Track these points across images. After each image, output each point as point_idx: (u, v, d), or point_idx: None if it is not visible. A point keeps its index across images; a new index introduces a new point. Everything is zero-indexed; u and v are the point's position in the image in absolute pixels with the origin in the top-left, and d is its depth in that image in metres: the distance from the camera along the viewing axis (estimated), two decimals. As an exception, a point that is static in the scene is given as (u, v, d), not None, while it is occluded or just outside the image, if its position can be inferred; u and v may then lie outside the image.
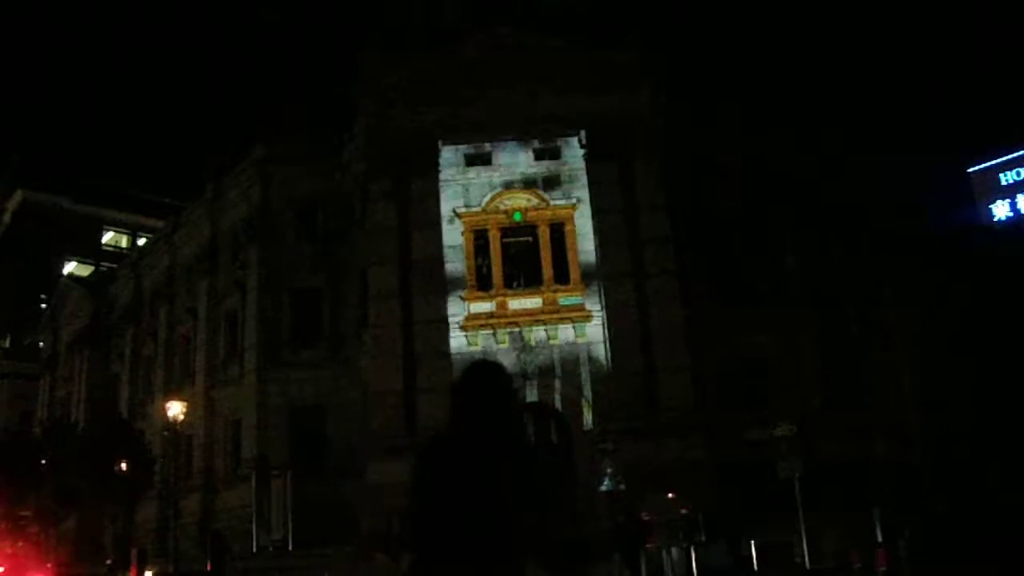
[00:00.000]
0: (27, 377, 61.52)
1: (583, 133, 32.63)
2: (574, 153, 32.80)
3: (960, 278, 41.73)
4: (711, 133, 35.36)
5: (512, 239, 32.21)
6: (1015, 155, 35.57)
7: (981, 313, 41.56)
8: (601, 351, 30.99)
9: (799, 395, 33.52)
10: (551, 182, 32.72)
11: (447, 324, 30.97)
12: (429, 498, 4.31)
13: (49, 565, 36.70)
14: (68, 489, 35.49)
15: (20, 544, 37.79)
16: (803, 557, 23.79)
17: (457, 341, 31.11)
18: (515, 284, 31.87)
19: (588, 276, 31.50)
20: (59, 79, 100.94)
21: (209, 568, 31.06)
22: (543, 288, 31.45)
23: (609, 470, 26.37)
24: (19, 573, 33.38)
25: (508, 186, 32.63)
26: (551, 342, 31.14)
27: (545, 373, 30.98)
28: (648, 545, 23.42)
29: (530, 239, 32.16)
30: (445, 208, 32.23)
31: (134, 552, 30.97)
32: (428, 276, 31.33)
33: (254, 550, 31.07)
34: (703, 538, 23.86)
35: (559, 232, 32.05)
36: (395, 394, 30.36)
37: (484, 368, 4.72)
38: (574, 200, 32.29)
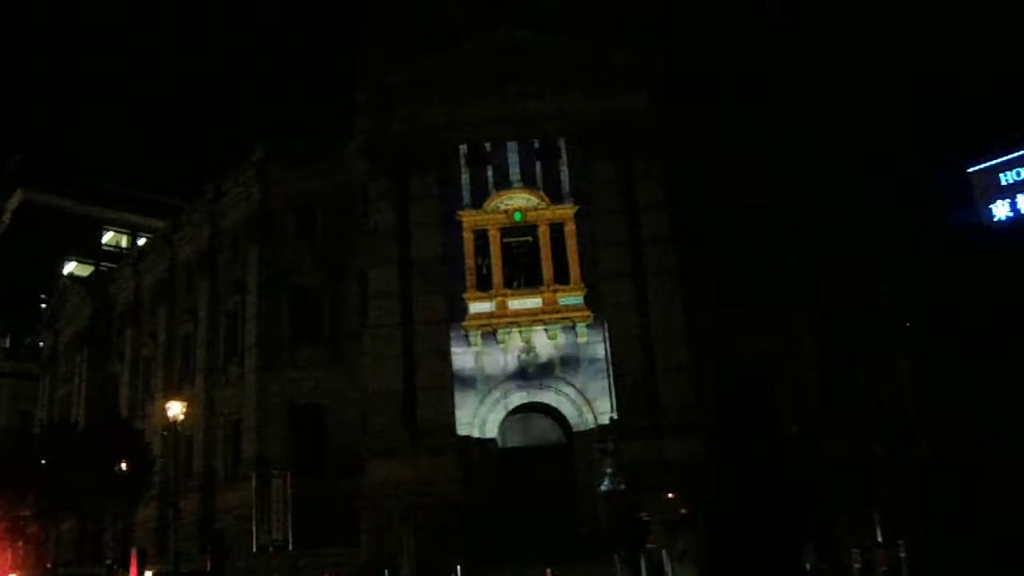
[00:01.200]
0: (27, 377, 61.55)
1: (583, 133, 32.63)
2: (574, 153, 32.78)
3: (960, 278, 41.70)
4: (711, 133, 35.33)
5: (512, 239, 32.20)
6: (1015, 155, 35.58)
7: (981, 313, 41.53)
8: (601, 351, 30.98)
9: (799, 395, 33.51)
10: (551, 182, 32.70)
11: (447, 324, 30.98)
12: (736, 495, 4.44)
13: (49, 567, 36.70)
14: (68, 489, 35.45)
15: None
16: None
17: (457, 341, 31.11)
18: (515, 284, 31.87)
19: (588, 276, 31.47)
20: (59, 79, 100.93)
21: (209, 568, 31.04)
22: (543, 288, 31.43)
23: (609, 470, 26.37)
24: None
25: (508, 186, 32.61)
26: (551, 342, 31.14)
27: (545, 373, 30.97)
28: (648, 545, 23.41)
29: (530, 239, 32.14)
30: (445, 208, 32.22)
31: (134, 552, 30.94)
32: (428, 276, 31.33)
33: (254, 550, 31.07)
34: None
35: (559, 232, 32.01)
36: (395, 394, 30.37)
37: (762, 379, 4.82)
38: (574, 200, 32.26)
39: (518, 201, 32.35)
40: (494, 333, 31.17)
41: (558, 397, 30.96)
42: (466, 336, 31.14)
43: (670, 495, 24.57)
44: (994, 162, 36.29)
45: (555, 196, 32.44)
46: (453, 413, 30.22)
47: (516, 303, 31.39)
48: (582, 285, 31.36)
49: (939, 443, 36.28)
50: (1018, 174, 35.74)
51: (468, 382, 30.87)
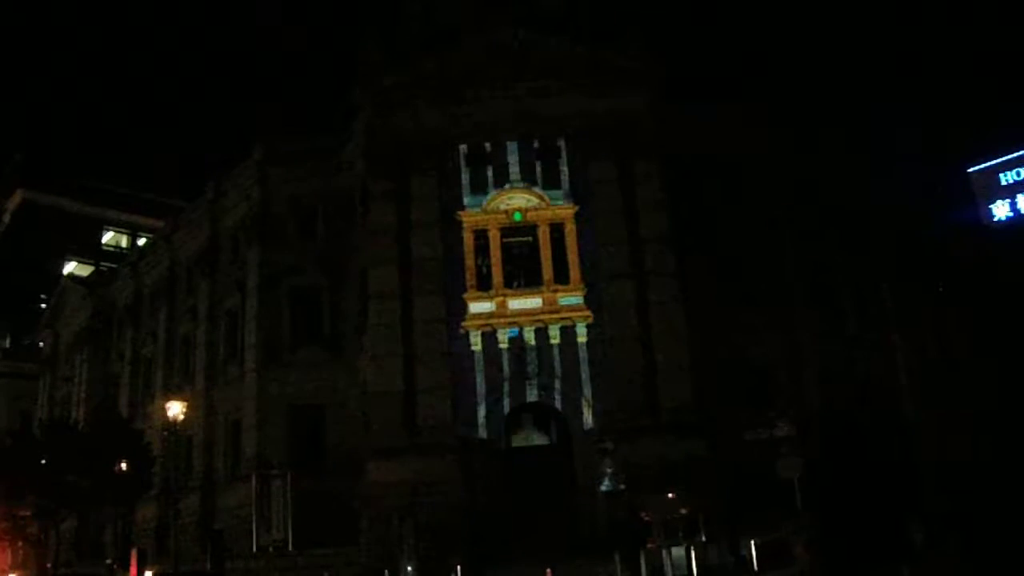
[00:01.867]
0: (27, 377, 61.51)
1: (583, 133, 32.62)
2: (574, 153, 32.78)
3: (960, 278, 41.74)
4: (711, 133, 35.35)
5: (512, 239, 32.20)
6: (1015, 155, 35.50)
7: (981, 313, 41.56)
8: (601, 351, 30.95)
9: (799, 395, 33.51)
10: (551, 182, 32.70)
11: (447, 324, 30.97)
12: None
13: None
14: (68, 489, 35.44)
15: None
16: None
17: (457, 341, 31.11)
18: (515, 284, 31.87)
19: (588, 276, 31.46)
20: (59, 79, 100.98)
21: (209, 568, 31.03)
22: (543, 288, 31.44)
23: (609, 470, 26.39)
24: None
25: (508, 186, 32.62)
26: (551, 342, 31.12)
27: (545, 373, 30.96)
28: (648, 545, 23.42)
29: (530, 239, 32.15)
30: (444, 208, 32.21)
31: (134, 552, 30.94)
32: (428, 276, 31.33)
33: (254, 550, 31.07)
34: (703, 538, 23.87)
35: (559, 232, 32.02)
36: (395, 394, 30.36)
37: None
38: (574, 200, 32.26)
39: (518, 201, 32.37)
40: (494, 333, 31.16)
41: (558, 397, 30.95)
42: (466, 336, 31.13)
43: (670, 495, 24.57)
44: (994, 162, 36.21)
45: (555, 196, 32.44)
46: (453, 413, 30.21)
47: (516, 303, 31.40)
48: (582, 285, 31.36)
49: (939, 443, 36.28)
50: (1018, 174, 35.66)
51: (468, 382, 30.85)
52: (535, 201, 32.37)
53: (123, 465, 35.54)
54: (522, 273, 32.07)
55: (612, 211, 31.95)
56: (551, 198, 32.41)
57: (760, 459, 25.03)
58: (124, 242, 72.84)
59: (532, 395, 31.07)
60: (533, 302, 31.40)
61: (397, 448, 29.64)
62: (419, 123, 32.79)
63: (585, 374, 30.86)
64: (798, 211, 36.84)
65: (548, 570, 22.57)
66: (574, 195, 32.35)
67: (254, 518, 31.39)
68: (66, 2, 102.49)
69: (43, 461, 36.44)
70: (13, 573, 37.14)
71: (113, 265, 61.43)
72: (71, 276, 63.19)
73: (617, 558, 22.89)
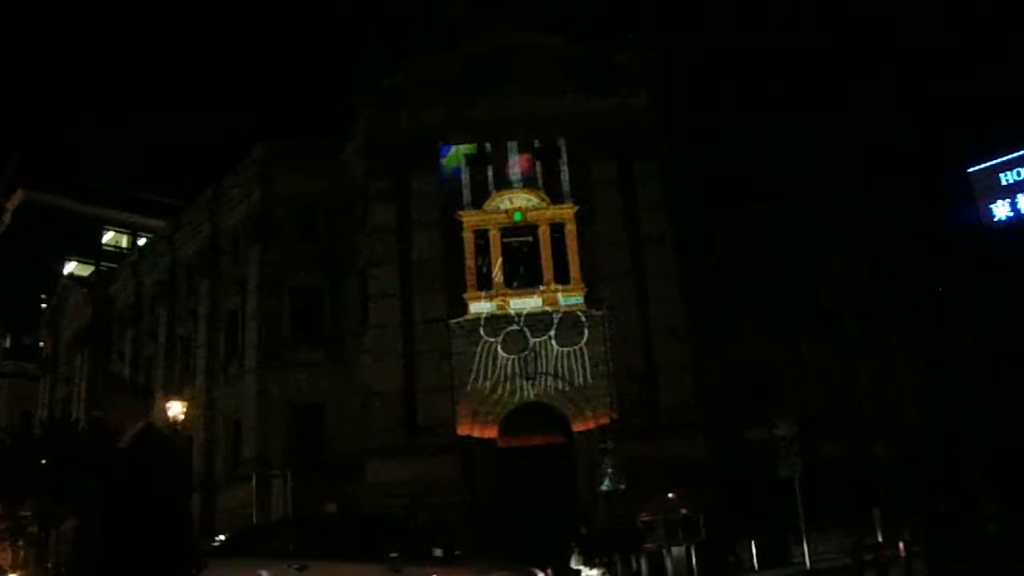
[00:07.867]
0: (27, 377, 61.48)
1: (583, 133, 32.63)
2: (575, 153, 32.80)
3: (960, 278, 41.76)
4: (711, 133, 35.38)
5: (512, 239, 32.21)
6: (1015, 155, 35.53)
7: (981, 313, 41.57)
8: (601, 351, 30.97)
9: (799, 395, 33.53)
10: (551, 182, 32.72)
11: (447, 324, 30.98)
12: None
13: None
14: (68, 489, 35.43)
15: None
16: (803, 557, 23.84)
17: (457, 341, 31.10)
18: (515, 284, 31.88)
19: (588, 276, 31.48)
20: (59, 79, 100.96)
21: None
22: (543, 288, 31.46)
23: (609, 470, 26.40)
24: None
25: (508, 186, 32.63)
26: (551, 342, 31.11)
27: (545, 373, 30.97)
28: (648, 545, 23.45)
29: (530, 239, 32.16)
30: (445, 208, 32.22)
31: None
32: (428, 276, 31.34)
33: (254, 550, 30.99)
34: (703, 538, 23.90)
35: (559, 232, 32.04)
36: (395, 394, 30.37)
37: None
38: (574, 200, 32.28)
39: (518, 201, 32.38)
40: (495, 333, 31.16)
41: (558, 397, 30.96)
42: (467, 336, 31.12)
43: (670, 495, 24.59)
44: (994, 162, 36.25)
45: (555, 196, 32.46)
46: (453, 413, 30.22)
47: (516, 303, 31.41)
48: (582, 285, 31.38)
49: (939, 443, 36.32)
50: (1018, 174, 35.70)
51: (468, 382, 30.86)
52: (535, 201, 32.38)
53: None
54: (522, 273, 32.09)
55: (612, 211, 31.96)
56: (551, 198, 32.42)
57: (760, 459, 25.04)
58: (124, 242, 72.74)
59: (532, 395, 31.07)
60: (533, 302, 31.43)
61: (397, 448, 29.65)
62: (419, 123, 32.79)
63: (585, 374, 30.85)
64: (798, 211, 36.86)
65: (548, 570, 22.59)
66: (574, 195, 32.37)
67: (254, 518, 31.35)
68: (65, 2, 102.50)
69: (43, 461, 36.43)
70: (13, 573, 37.15)
71: (113, 265, 61.32)
72: (71, 276, 63.15)
73: (617, 558, 22.91)
